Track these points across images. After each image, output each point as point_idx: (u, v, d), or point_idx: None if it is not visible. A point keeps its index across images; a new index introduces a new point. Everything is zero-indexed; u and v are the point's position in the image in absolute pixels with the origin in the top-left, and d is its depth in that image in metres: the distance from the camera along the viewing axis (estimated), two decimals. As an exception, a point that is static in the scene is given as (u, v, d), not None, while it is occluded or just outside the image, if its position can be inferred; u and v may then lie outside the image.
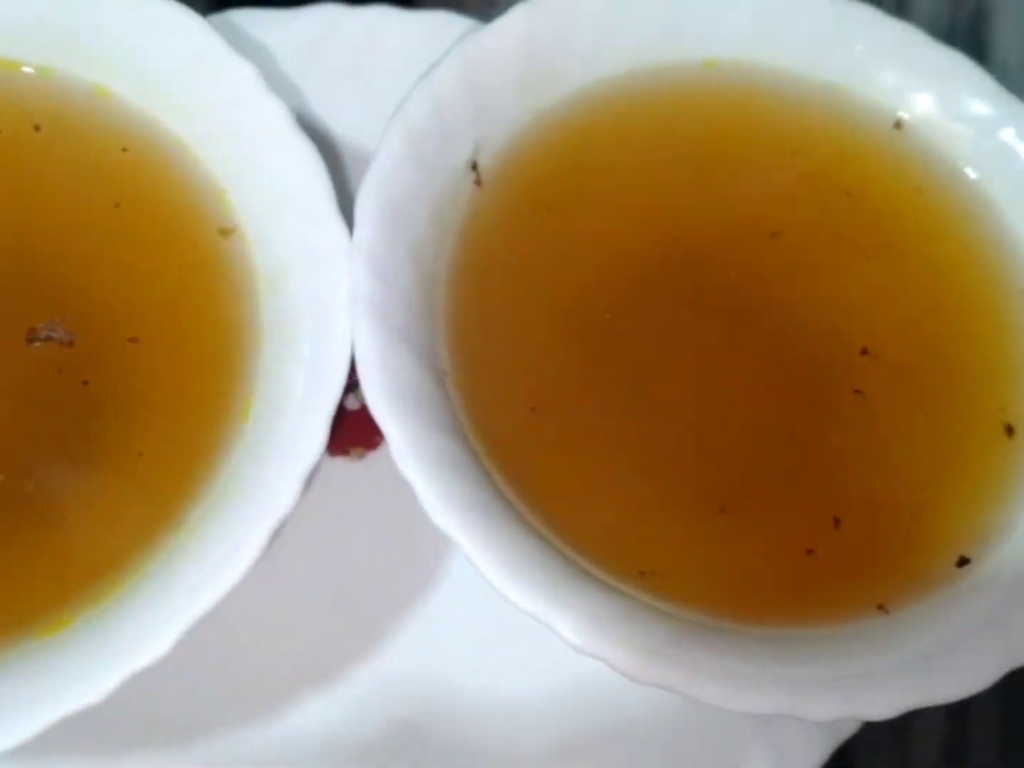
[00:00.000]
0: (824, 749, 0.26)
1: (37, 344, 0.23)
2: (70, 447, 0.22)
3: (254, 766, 0.24)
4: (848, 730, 0.26)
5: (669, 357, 0.25)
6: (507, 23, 0.25)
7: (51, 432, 0.22)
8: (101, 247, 0.24)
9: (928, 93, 0.28)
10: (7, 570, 0.21)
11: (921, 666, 0.22)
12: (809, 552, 0.23)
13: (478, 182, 0.25)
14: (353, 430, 0.28)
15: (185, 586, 0.20)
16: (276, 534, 0.21)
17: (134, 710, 0.24)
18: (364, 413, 0.29)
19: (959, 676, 0.21)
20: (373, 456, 0.28)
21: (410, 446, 0.21)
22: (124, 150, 0.24)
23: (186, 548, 0.21)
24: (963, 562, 0.24)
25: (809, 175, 0.27)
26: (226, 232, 0.24)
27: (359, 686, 0.26)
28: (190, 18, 0.24)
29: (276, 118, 0.23)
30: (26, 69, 0.25)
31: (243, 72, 0.24)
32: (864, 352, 0.26)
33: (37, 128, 0.24)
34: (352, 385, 0.23)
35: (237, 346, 0.23)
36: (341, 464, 0.28)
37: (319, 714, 0.25)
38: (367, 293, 0.22)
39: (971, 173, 0.27)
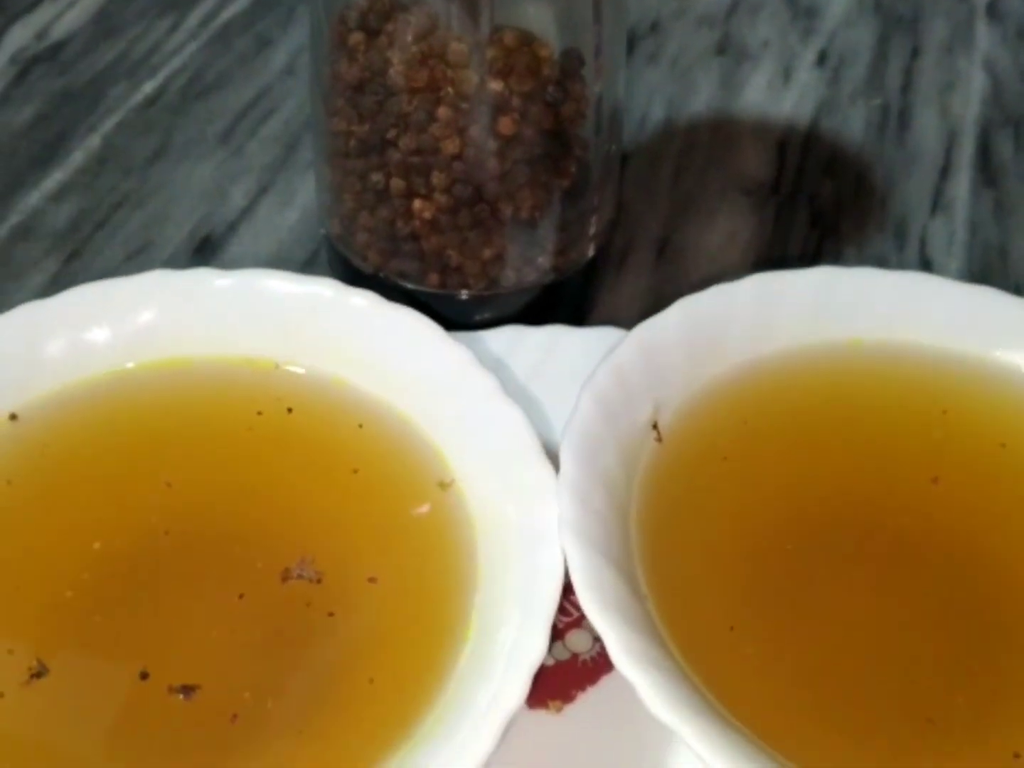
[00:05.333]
0: None
1: (290, 582, 0.26)
2: (314, 669, 0.25)
3: None
4: None
5: (854, 584, 0.27)
6: (672, 313, 0.30)
7: (299, 656, 0.25)
8: (342, 503, 0.28)
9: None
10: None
11: None
12: (1016, 756, 0.24)
13: (659, 439, 0.29)
14: (552, 685, 0.30)
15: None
16: (507, 730, 0.23)
17: None
18: (561, 669, 0.31)
19: None
20: (570, 709, 0.30)
21: (622, 645, 0.23)
22: (360, 426, 0.29)
23: (417, 752, 0.23)
24: None
25: (962, 429, 0.30)
26: (445, 485, 0.28)
27: None
28: (408, 314, 0.30)
29: (486, 386, 0.28)
30: (279, 366, 0.30)
31: (456, 353, 0.29)
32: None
33: (289, 410, 0.29)
34: (552, 640, 0.26)
35: (458, 578, 0.26)
36: (541, 716, 0.29)
37: None
38: (572, 518, 0.25)
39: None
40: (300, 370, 0.30)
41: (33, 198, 0.44)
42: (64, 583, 0.26)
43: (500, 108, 0.32)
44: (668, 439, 0.29)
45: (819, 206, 0.46)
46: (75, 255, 0.42)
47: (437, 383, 0.29)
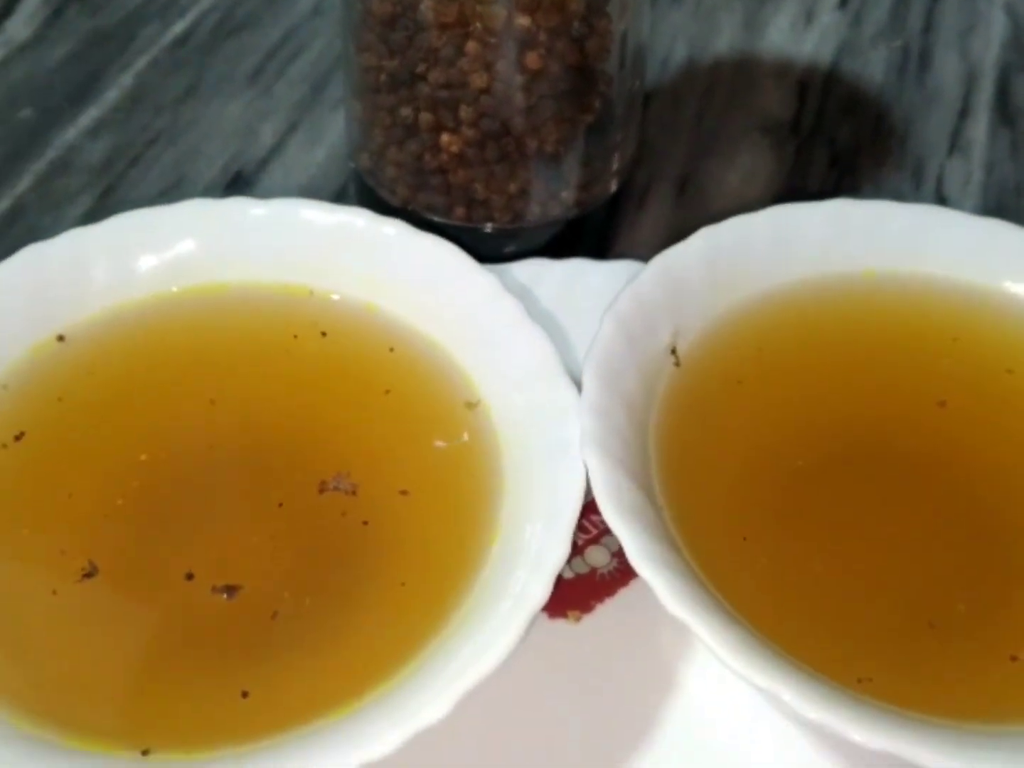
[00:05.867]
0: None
1: (327, 493, 0.28)
2: (349, 572, 0.27)
3: None
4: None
5: (861, 501, 0.28)
6: (693, 243, 0.31)
7: (335, 560, 0.27)
8: (375, 421, 0.29)
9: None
10: (300, 668, 0.25)
11: None
12: (1013, 659, 0.25)
13: (677, 364, 0.30)
14: (572, 597, 0.32)
15: (454, 669, 0.23)
16: (530, 627, 0.24)
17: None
18: (580, 582, 0.32)
19: None
20: (588, 619, 0.31)
21: (639, 550, 0.24)
22: (391, 349, 0.31)
23: (450, 645, 0.24)
24: None
25: (970, 356, 0.31)
26: (472, 405, 0.29)
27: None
28: (436, 242, 0.31)
29: (511, 311, 0.29)
30: (314, 292, 0.32)
31: (483, 279, 0.30)
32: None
33: (324, 334, 0.31)
34: (571, 556, 0.27)
35: (485, 491, 0.28)
36: (561, 625, 0.31)
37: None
38: (594, 433, 0.26)
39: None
40: (334, 296, 0.32)
41: (69, 134, 0.45)
42: (114, 491, 0.27)
43: (527, 43, 0.33)
44: (686, 364, 0.30)
45: (838, 146, 0.47)
46: (110, 190, 0.43)
47: (464, 308, 0.30)
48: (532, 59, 0.34)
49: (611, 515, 0.25)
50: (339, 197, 0.43)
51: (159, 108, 0.47)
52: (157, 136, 0.46)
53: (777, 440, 0.29)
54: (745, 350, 0.31)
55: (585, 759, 0.28)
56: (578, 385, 0.28)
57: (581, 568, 0.32)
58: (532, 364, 0.28)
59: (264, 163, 0.45)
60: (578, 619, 0.31)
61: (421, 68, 0.34)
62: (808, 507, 0.28)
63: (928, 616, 0.26)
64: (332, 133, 0.46)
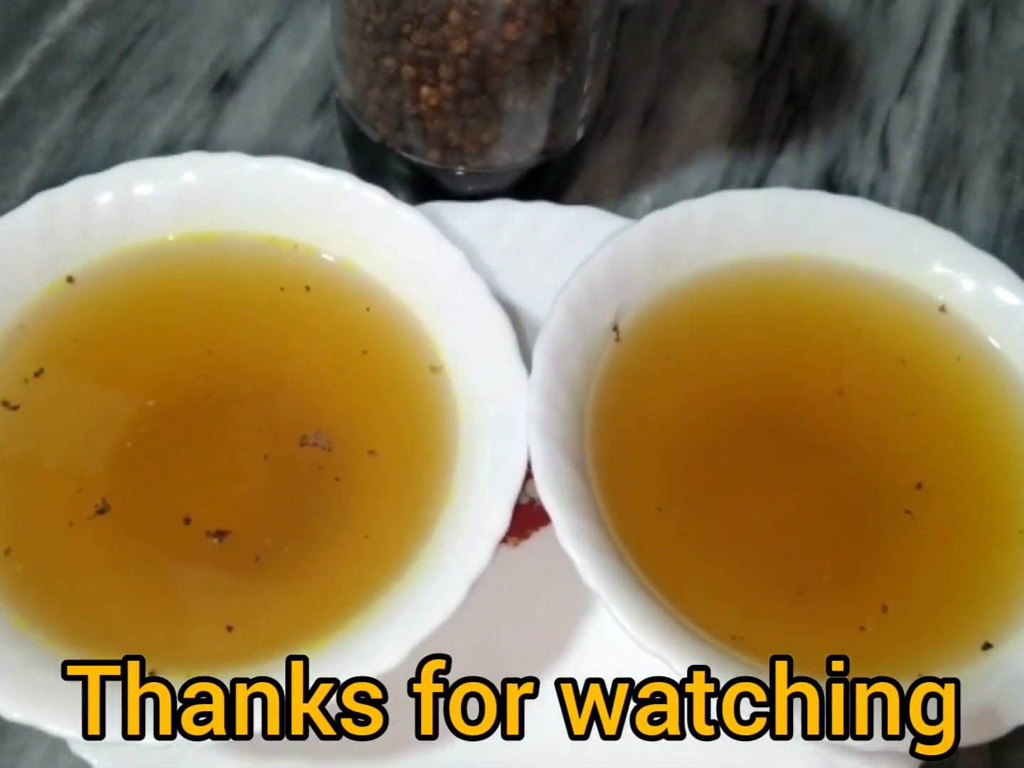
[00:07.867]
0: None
1: (306, 448, 0.32)
2: (321, 523, 0.31)
3: None
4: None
5: (759, 476, 0.33)
6: (641, 227, 0.35)
7: (310, 512, 0.32)
8: (353, 381, 0.33)
9: (968, 284, 0.36)
10: (276, 608, 0.30)
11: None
12: (862, 628, 0.31)
13: (617, 339, 0.34)
14: (511, 524, 0.37)
15: (406, 617, 0.28)
16: (475, 586, 0.29)
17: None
18: (520, 512, 0.37)
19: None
20: (525, 544, 0.37)
21: (569, 529, 0.29)
22: (367, 309, 0.34)
23: (404, 594, 0.30)
24: (987, 646, 0.31)
25: (870, 347, 0.36)
26: (436, 369, 0.34)
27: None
28: (414, 215, 0.34)
29: (476, 288, 0.33)
30: (299, 246, 0.35)
31: (453, 255, 0.33)
32: (918, 486, 0.33)
33: (308, 288, 0.34)
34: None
35: (443, 454, 0.32)
36: (501, 549, 0.36)
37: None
38: (538, 415, 0.31)
39: (999, 347, 0.35)
40: (317, 251, 0.35)
41: (62, 20, 0.47)
42: (124, 434, 0.31)
43: (506, 15, 0.36)
44: (625, 339, 0.34)
45: (797, 82, 0.50)
46: (103, 84, 0.45)
47: (434, 278, 0.34)
48: (510, 30, 0.36)
49: (546, 495, 0.30)
50: (322, 107, 0.46)
51: (149, -6, 0.48)
52: (148, 26, 0.47)
53: (692, 415, 0.34)
54: (676, 327, 0.35)
55: (516, 653, 0.34)
56: (528, 362, 0.33)
57: (521, 499, 0.37)
58: (490, 341, 0.32)
59: (250, 64, 0.47)
60: (516, 544, 0.36)
61: (406, 28, 0.36)
62: (712, 481, 0.33)
63: (799, 585, 0.31)
64: (316, 34, 0.48)
